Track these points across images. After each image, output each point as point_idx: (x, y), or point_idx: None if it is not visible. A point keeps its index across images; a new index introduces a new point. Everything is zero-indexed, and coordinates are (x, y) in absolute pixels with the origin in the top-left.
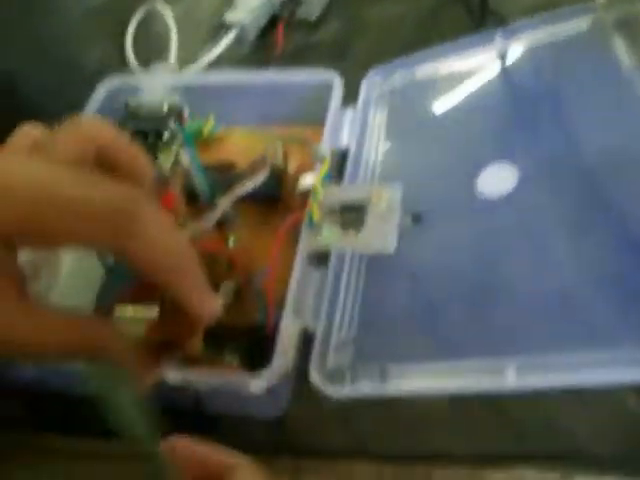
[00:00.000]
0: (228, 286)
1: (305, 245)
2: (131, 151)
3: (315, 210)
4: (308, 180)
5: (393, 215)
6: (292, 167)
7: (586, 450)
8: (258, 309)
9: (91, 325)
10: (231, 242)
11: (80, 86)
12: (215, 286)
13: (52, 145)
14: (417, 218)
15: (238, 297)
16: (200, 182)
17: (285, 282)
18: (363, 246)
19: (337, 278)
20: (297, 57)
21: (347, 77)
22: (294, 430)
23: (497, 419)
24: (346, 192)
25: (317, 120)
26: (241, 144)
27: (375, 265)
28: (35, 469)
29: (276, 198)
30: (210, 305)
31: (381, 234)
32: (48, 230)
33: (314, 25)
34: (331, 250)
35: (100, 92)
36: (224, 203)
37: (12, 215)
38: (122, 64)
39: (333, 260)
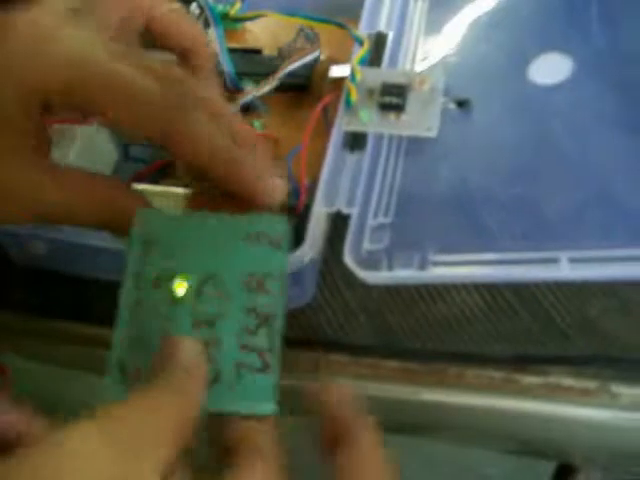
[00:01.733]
0: None
1: (341, 126)
2: (186, 28)
3: (353, 91)
4: (341, 69)
5: (436, 98)
6: (322, 56)
7: (627, 358)
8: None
9: (116, 186)
10: (258, 126)
11: None
12: None
13: (94, 9)
14: (462, 103)
15: None
16: (227, 64)
17: (318, 167)
18: (404, 129)
19: (374, 161)
20: None
21: None
22: (319, 321)
23: (536, 321)
24: (386, 75)
25: (349, 11)
26: (268, 30)
27: (415, 149)
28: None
29: (304, 87)
30: (274, 191)
31: (423, 117)
32: (90, 100)
33: None
34: (369, 132)
35: None
36: (263, 89)
37: (56, 77)
38: None
39: (370, 142)
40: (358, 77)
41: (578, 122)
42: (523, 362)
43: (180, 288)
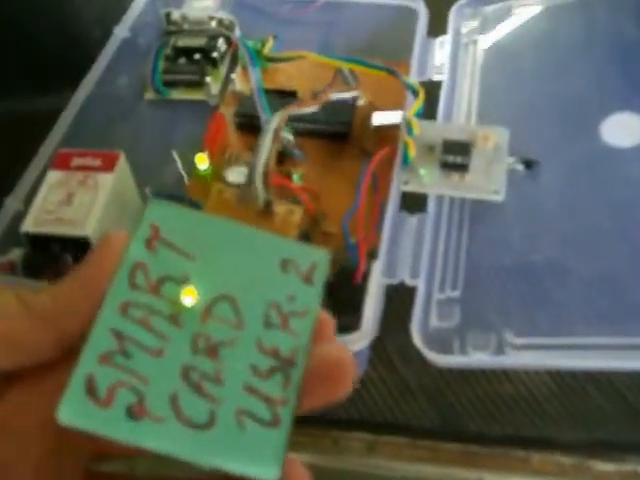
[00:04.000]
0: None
1: (399, 186)
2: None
3: (411, 147)
4: (385, 117)
5: (501, 158)
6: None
7: None
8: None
9: None
10: (296, 178)
11: None
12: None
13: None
14: (530, 163)
15: (304, 238)
16: (265, 110)
17: (369, 228)
18: (468, 191)
19: (437, 226)
20: None
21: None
22: (372, 399)
23: (611, 404)
24: (446, 130)
25: (394, 53)
26: (303, 71)
27: (480, 213)
28: None
29: (345, 135)
30: None
31: (489, 178)
32: None
33: None
34: (429, 194)
35: (140, 1)
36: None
37: None
38: None
39: (432, 204)
40: (416, 131)
41: None
42: (596, 448)
43: (188, 297)
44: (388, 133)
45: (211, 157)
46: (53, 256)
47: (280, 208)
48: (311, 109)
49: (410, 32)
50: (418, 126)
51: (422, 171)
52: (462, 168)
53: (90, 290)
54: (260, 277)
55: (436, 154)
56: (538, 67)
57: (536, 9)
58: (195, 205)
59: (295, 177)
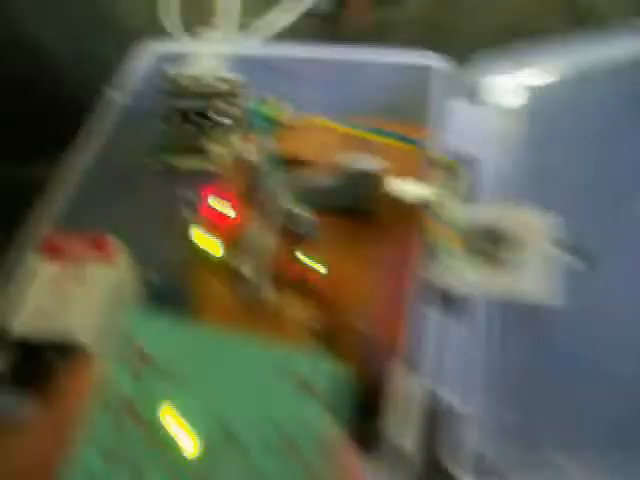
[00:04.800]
0: (314, 326)
1: (429, 280)
2: None
3: (444, 234)
4: (413, 189)
5: (553, 250)
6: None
7: None
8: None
9: None
10: (311, 263)
11: (109, 48)
12: (294, 325)
13: None
14: (585, 257)
15: (329, 341)
16: (275, 184)
17: (392, 327)
18: (514, 290)
19: (478, 331)
20: (378, 33)
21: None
22: None
23: None
24: (485, 215)
25: (412, 114)
26: (316, 138)
27: (531, 317)
28: None
29: (365, 211)
30: None
31: (539, 275)
32: None
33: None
34: (465, 292)
35: (138, 58)
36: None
37: None
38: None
39: (472, 308)
40: (449, 215)
41: None
42: None
43: (168, 417)
44: (413, 209)
45: (221, 238)
46: (43, 363)
47: (287, 304)
48: (323, 180)
49: (430, 92)
50: (452, 209)
51: (459, 265)
52: (506, 262)
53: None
54: (258, 395)
55: (475, 244)
56: (583, 135)
57: (572, 69)
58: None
59: (310, 261)
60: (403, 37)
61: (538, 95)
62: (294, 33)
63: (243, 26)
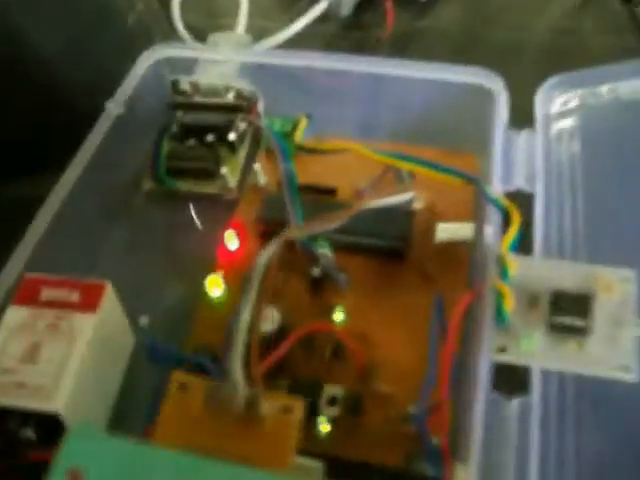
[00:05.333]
0: (335, 391)
1: (489, 354)
2: None
3: (508, 299)
4: (455, 229)
5: (629, 316)
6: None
7: None
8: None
9: None
10: (339, 317)
11: (113, 53)
12: (312, 390)
13: None
14: None
15: (351, 409)
16: (296, 212)
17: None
18: (587, 365)
19: (545, 413)
20: (403, 46)
21: None
22: None
23: None
24: (552, 272)
25: (456, 141)
26: (338, 163)
27: (606, 397)
28: None
29: (400, 253)
30: None
31: (615, 347)
32: None
33: (426, 6)
34: (533, 366)
35: (142, 66)
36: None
37: None
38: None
39: (537, 382)
40: (512, 273)
41: None
42: None
43: None
44: (456, 251)
45: (227, 279)
46: (9, 436)
47: (270, 407)
48: (338, 223)
49: (479, 116)
50: (515, 266)
51: (523, 338)
52: (580, 332)
53: None
54: None
55: (541, 309)
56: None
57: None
58: (200, 365)
59: (337, 312)
60: (431, 48)
61: (604, 121)
62: (310, 39)
63: (257, 31)
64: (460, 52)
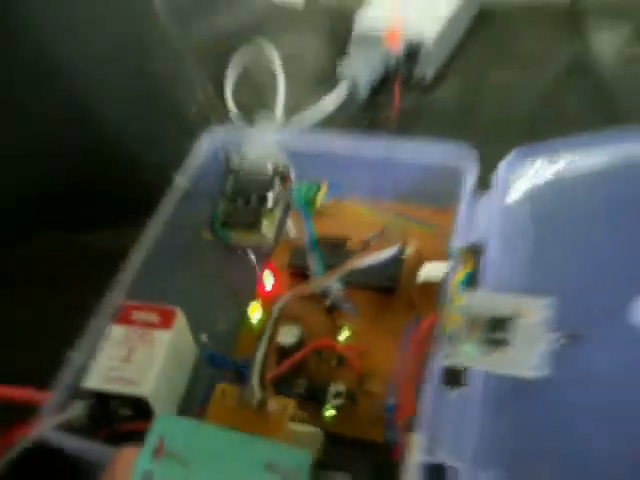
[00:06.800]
0: (339, 388)
1: (440, 359)
2: None
3: (455, 321)
4: (435, 269)
5: (543, 332)
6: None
7: None
8: (385, 426)
9: None
10: (343, 336)
11: (178, 136)
12: (322, 386)
13: None
14: (573, 338)
15: (350, 401)
16: (316, 261)
17: (409, 396)
18: (508, 367)
19: (477, 402)
20: (410, 121)
21: None
22: None
23: None
24: (490, 301)
25: (439, 201)
26: (350, 219)
27: (523, 391)
28: None
29: (392, 290)
30: None
31: (530, 354)
32: None
33: (429, 87)
34: (469, 369)
35: (203, 145)
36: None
37: None
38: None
39: (472, 379)
40: (457, 302)
41: None
42: None
43: None
44: (433, 286)
45: (264, 308)
46: (112, 412)
47: (274, 406)
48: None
49: (454, 186)
50: (461, 298)
51: (465, 347)
52: (504, 343)
53: None
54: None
55: (480, 328)
56: (595, 232)
57: (591, 166)
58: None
59: (344, 332)
60: (433, 123)
61: (544, 191)
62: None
63: (290, 113)
64: (456, 125)
